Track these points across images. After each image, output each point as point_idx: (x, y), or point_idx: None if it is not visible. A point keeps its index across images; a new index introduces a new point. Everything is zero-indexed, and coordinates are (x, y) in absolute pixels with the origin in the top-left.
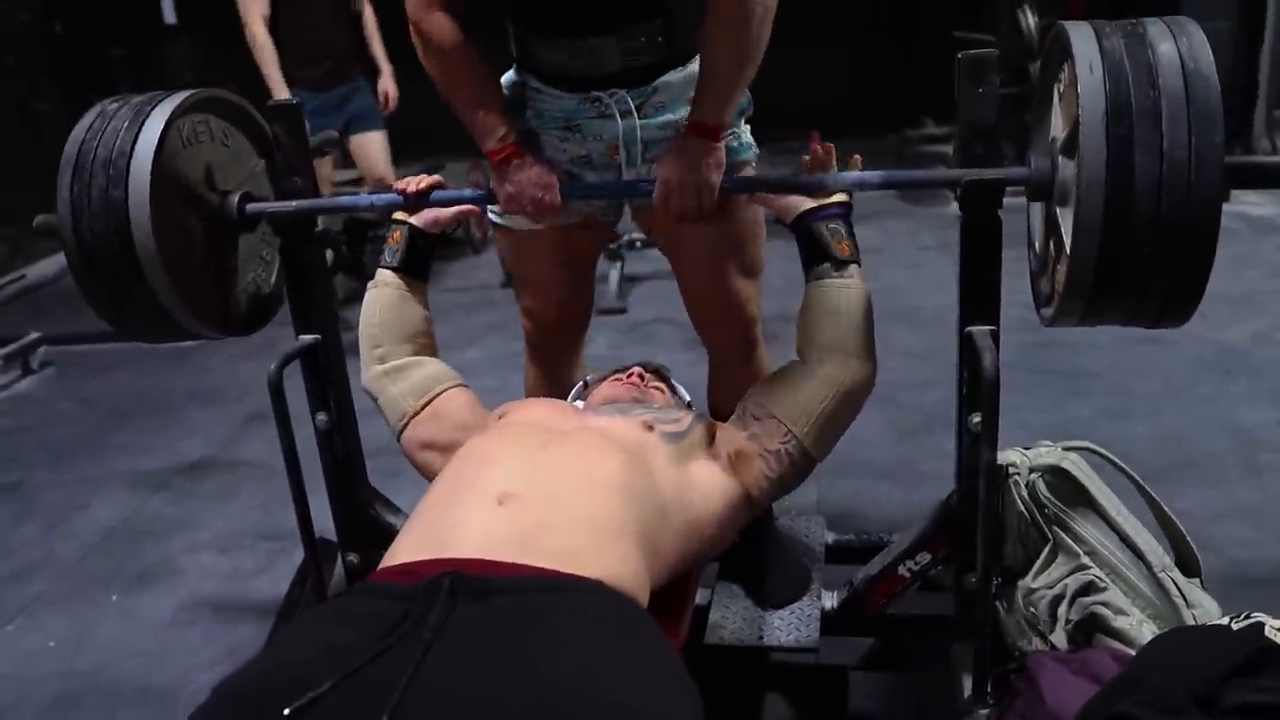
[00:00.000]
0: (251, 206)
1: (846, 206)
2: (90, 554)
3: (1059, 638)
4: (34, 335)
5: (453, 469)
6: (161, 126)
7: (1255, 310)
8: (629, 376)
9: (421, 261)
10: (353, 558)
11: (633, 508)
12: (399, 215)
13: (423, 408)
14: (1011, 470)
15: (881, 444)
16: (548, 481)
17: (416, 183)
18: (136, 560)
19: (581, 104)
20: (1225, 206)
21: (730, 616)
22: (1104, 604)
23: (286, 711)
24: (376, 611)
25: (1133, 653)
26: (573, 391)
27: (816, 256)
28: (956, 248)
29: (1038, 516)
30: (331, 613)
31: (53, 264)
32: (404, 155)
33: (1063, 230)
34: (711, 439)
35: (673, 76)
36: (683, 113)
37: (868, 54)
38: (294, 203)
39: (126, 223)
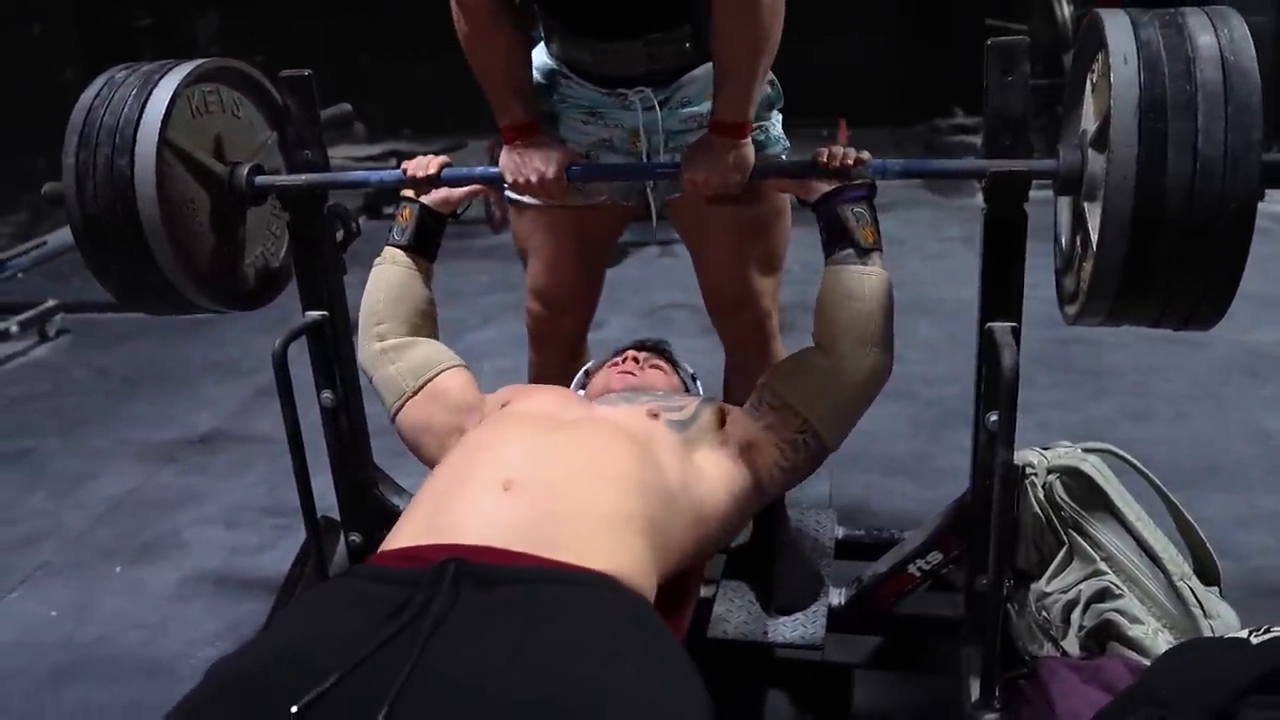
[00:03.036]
0: (261, 179)
1: (871, 188)
2: (97, 524)
3: (1071, 644)
4: (51, 303)
5: (457, 455)
6: (170, 95)
7: None
8: (624, 361)
9: (431, 241)
10: (356, 537)
11: (641, 499)
12: (408, 192)
13: (420, 388)
14: (1029, 471)
15: (897, 438)
16: (554, 470)
17: (426, 165)
18: (143, 532)
19: (605, 95)
20: (1259, 205)
21: (735, 611)
22: (1119, 611)
23: (294, 709)
24: (378, 596)
25: (1147, 663)
26: (575, 379)
27: (839, 241)
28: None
29: (1054, 519)
30: (331, 596)
31: None
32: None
33: (1090, 226)
34: (720, 423)
35: (698, 71)
36: (707, 105)
37: (899, 42)
38: (304, 176)
39: (131, 192)
